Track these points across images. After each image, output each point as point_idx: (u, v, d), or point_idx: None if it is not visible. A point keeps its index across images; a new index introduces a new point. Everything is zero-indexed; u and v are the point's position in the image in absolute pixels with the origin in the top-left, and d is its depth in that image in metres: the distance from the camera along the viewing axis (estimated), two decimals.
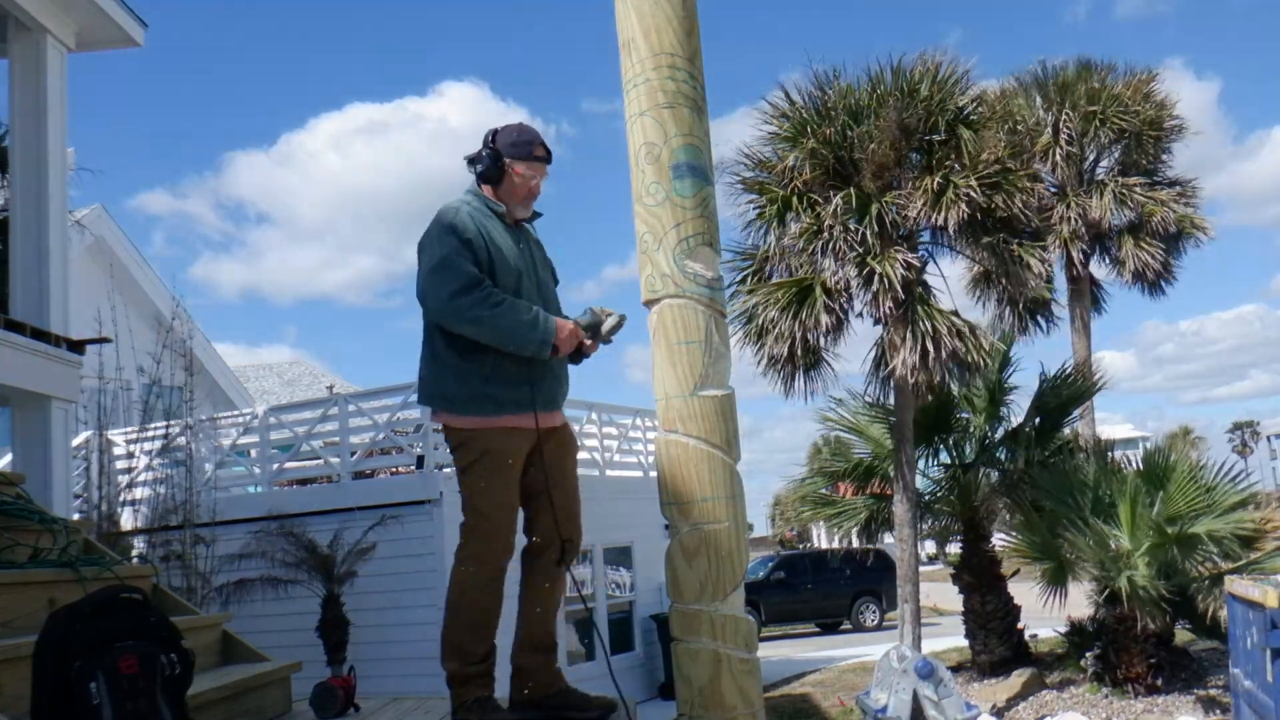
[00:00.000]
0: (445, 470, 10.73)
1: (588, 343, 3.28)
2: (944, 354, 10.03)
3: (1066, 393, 12.13)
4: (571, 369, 3.42)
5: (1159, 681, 10.17)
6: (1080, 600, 11.00)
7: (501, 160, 3.24)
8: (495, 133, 3.27)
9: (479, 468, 3.18)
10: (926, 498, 12.21)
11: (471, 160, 3.30)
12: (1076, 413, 12.85)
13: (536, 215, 3.41)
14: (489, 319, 3.06)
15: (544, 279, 3.39)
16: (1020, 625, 12.00)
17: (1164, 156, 15.84)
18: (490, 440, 3.17)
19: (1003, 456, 12.20)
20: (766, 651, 13.87)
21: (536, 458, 3.27)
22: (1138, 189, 15.15)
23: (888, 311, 10.18)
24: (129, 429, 11.03)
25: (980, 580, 11.79)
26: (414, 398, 10.57)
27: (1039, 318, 13.98)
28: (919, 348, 10.02)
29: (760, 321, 10.64)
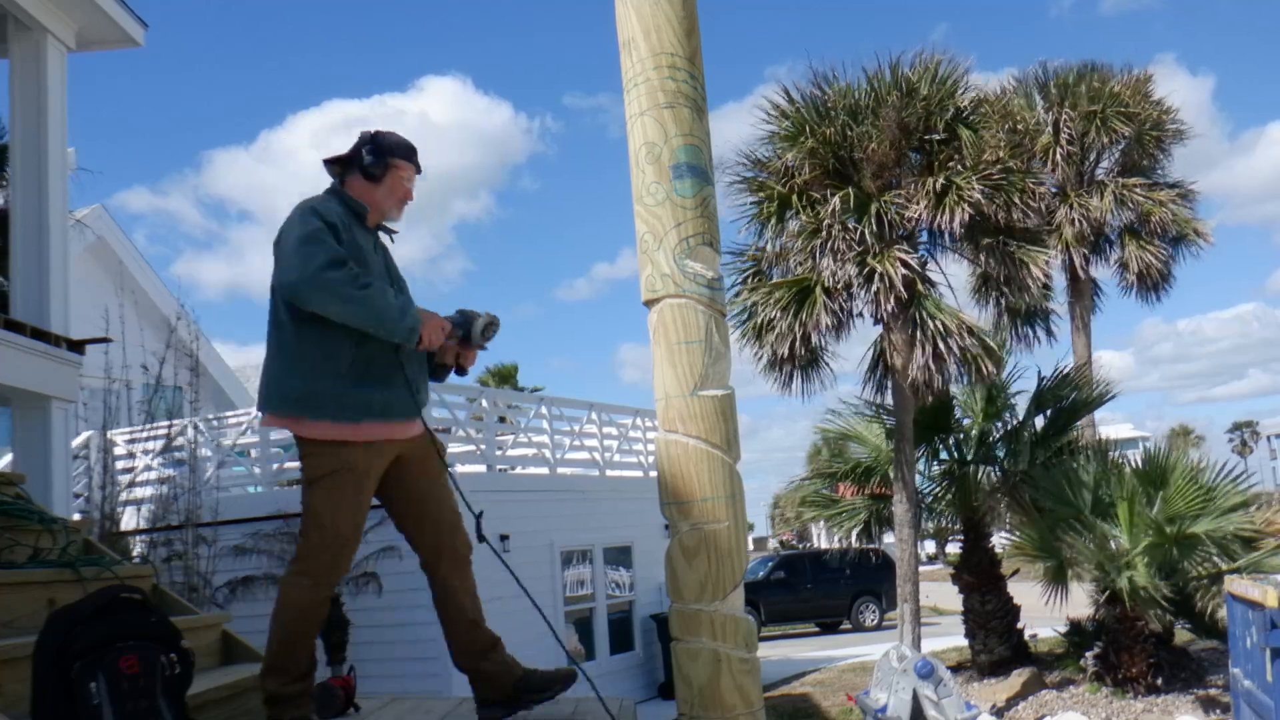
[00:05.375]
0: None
1: (451, 343, 3.17)
2: (955, 354, 10.01)
3: (1068, 402, 12.09)
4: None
5: (1159, 681, 10.17)
6: (1081, 600, 11.00)
7: (387, 158, 3.19)
8: (375, 133, 3.23)
9: (333, 482, 3.00)
10: (927, 498, 12.22)
11: (346, 159, 3.21)
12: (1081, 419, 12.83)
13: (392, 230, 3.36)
14: (359, 297, 2.91)
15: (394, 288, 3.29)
16: (1020, 625, 12.00)
17: (1163, 158, 15.87)
18: (349, 456, 3.00)
19: (1002, 456, 12.20)
20: (766, 651, 13.87)
21: (398, 470, 3.17)
22: (1138, 190, 15.16)
23: (889, 311, 10.19)
24: (130, 429, 11.03)
25: (980, 580, 11.79)
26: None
27: (1037, 325, 13.74)
28: (928, 348, 10.01)
29: (760, 321, 10.65)
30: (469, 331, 3.20)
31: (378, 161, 3.17)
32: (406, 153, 3.24)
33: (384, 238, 3.32)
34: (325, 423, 2.99)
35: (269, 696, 3.08)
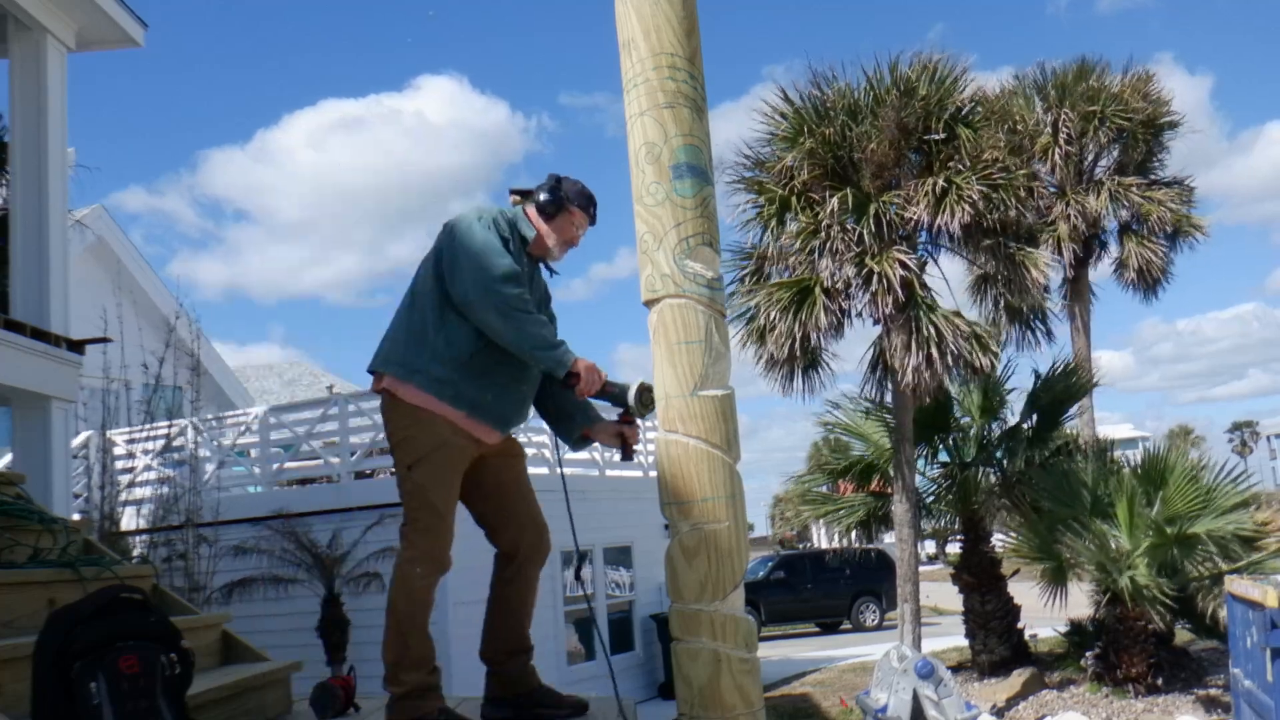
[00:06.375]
0: None
1: (614, 421, 3.33)
2: (949, 357, 10.00)
3: (1060, 390, 12.11)
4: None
5: (1159, 681, 10.17)
6: (1081, 600, 11.00)
7: (563, 200, 3.32)
8: (559, 178, 3.37)
9: (438, 458, 3.12)
10: (927, 498, 12.21)
11: (528, 191, 3.35)
12: (1073, 410, 12.83)
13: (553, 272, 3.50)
14: (522, 318, 3.05)
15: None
16: (1020, 625, 12.00)
17: (1161, 156, 15.87)
18: (447, 432, 3.13)
19: (1001, 456, 12.20)
20: (766, 651, 13.86)
21: (484, 467, 3.28)
22: (1134, 189, 15.16)
23: (887, 313, 10.18)
24: (130, 429, 11.04)
25: (980, 580, 11.79)
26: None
27: (1036, 325, 13.64)
28: (923, 352, 10.00)
29: (761, 322, 10.65)
30: (624, 395, 3.21)
31: (553, 200, 3.30)
32: (584, 202, 3.35)
33: (543, 270, 3.45)
34: (427, 394, 3.12)
35: (411, 690, 3.09)
